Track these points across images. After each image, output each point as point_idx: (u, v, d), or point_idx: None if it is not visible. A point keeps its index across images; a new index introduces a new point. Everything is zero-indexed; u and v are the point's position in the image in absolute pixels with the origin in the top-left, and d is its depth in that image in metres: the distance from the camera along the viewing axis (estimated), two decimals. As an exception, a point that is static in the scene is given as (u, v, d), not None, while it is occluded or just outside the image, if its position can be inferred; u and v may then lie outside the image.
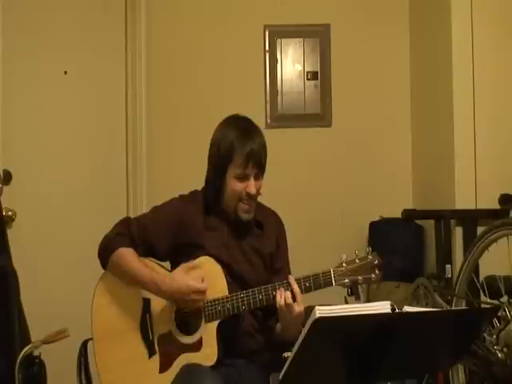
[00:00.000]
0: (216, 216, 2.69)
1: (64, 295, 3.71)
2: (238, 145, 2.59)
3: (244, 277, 2.64)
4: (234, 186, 2.62)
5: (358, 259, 2.51)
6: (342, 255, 2.52)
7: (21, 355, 2.49)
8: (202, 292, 2.52)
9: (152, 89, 4.17)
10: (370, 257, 2.51)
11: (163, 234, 2.65)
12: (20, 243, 3.19)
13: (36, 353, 2.58)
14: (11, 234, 3.03)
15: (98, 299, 2.65)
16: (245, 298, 2.52)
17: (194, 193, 2.77)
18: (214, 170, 2.67)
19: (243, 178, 2.61)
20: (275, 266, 2.72)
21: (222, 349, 2.52)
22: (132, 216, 3.79)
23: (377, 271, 2.50)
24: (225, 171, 2.62)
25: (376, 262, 2.51)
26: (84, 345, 2.67)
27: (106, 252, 2.64)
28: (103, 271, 2.67)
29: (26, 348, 2.52)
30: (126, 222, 2.70)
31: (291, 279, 2.50)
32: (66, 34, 3.89)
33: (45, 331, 2.57)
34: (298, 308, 2.47)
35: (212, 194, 2.68)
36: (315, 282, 2.49)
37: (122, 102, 4.10)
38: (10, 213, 3.52)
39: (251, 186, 2.61)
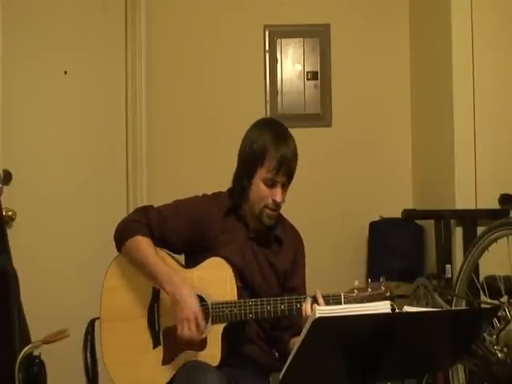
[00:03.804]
0: (236, 222, 2.68)
1: (64, 295, 3.71)
2: (272, 148, 2.58)
3: (255, 287, 2.63)
4: (261, 190, 2.60)
5: (370, 288, 2.50)
6: (354, 281, 2.50)
7: (21, 355, 2.49)
8: (197, 329, 2.49)
9: (152, 89, 4.17)
10: (382, 288, 2.50)
11: (181, 230, 2.65)
12: (20, 243, 3.18)
13: (36, 353, 2.58)
14: (11, 234, 3.03)
15: (109, 281, 2.65)
16: (253, 307, 2.51)
17: (217, 194, 2.75)
18: (244, 169, 2.65)
19: (272, 184, 2.59)
20: (289, 285, 2.70)
21: (225, 352, 2.51)
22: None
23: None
24: (254, 172, 2.60)
25: (388, 294, 2.49)
26: (92, 323, 2.68)
27: (122, 236, 2.64)
28: (117, 254, 2.67)
29: (26, 348, 2.52)
30: (146, 211, 2.69)
31: (318, 294, 2.47)
32: (66, 34, 3.89)
33: (45, 331, 2.57)
34: None
35: (238, 194, 2.67)
36: (325, 303, 2.47)
37: (122, 102, 4.10)
38: (10, 213, 3.51)
39: (278, 194, 2.59)
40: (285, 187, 2.62)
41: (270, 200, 2.60)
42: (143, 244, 2.60)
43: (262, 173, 2.59)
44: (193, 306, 2.49)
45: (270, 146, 2.59)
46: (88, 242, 3.82)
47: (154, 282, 2.59)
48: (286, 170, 2.59)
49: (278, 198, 2.60)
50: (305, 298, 2.49)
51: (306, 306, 2.45)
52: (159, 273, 2.55)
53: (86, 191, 3.93)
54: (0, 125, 3.57)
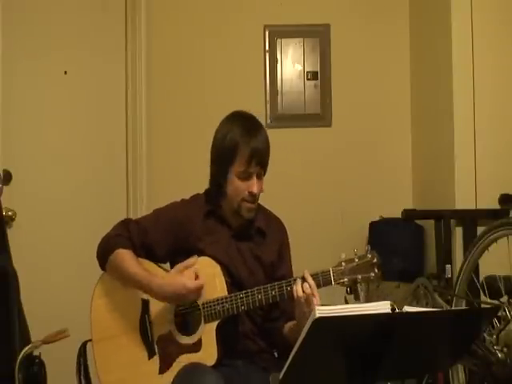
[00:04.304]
0: (217, 221, 2.68)
1: (64, 295, 3.71)
2: (242, 143, 2.57)
3: (243, 282, 2.62)
4: (237, 185, 2.60)
5: (357, 258, 2.49)
6: (341, 254, 2.51)
7: (21, 355, 2.49)
8: (199, 289, 2.51)
9: (152, 89, 4.17)
10: (368, 255, 2.49)
11: (163, 238, 2.65)
12: (20, 243, 3.18)
13: (36, 353, 2.58)
14: (11, 234, 3.03)
15: (96, 301, 2.65)
16: (244, 298, 2.50)
17: (195, 196, 2.75)
18: (217, 167, 2.65)
19: (246, 177, 2.59)
20: (277, 274, 2.69)
21: (221, 350, 2.51)
22: (132, 216, 3.85)
23: (376, 270, 2.47)
24: (227, 169, 2.60)
25: (375, 260, 2.48)
26: (84, 346, 2.67)
27: (104, 253, 2.64)
28: (102, 272, 2.67)
29: (26, 348, 2.52)
30: (125, 224, 2.69)
31: (307, 273, 2.48)
32: (66, 34, 3.89)
33: (45, 331, 2.57)
34: (316, 300, 2.44)
35: (215, 193, 2.67)
36: (314, 282, 2.47)
37: (122, 102, 4.10)
38: (10, 213, 3.51)
39: (253, 185, 2.59)
40: (259, 176, 2.62)
41: (247, 192, 2.60)
42: (124, 256, 2.59)
43: (236, 168, 2.59)
44: (176, 286, 2.49)
45: (239, 141, 2.58)
46: (88, 242, 3.76)
47: (140, 291, 2.58)
48: (258, 161, 2.58)
49: (255, 189, 2.59)
50: (294, 280, 2.49)
51: (297, 288, 2.45)
52: (139, 280, 2.55)
53: (86, 191, 3.93)
54: (0, 125, 3.57)
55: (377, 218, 4.19)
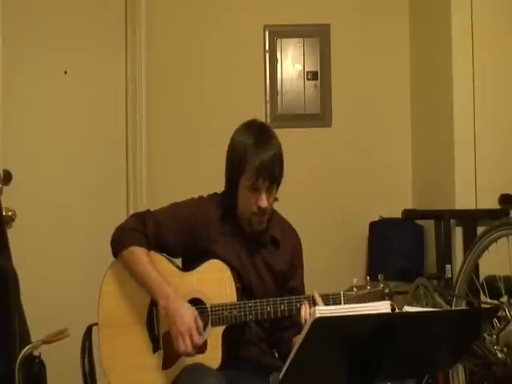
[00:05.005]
0: (232, 225, 2.66)
1: (64, 295, 3.71)
2: (249, 157, 2.55)
3: (252, 289, 2.63)
4: (246, 197, 2.58)
5: (369, 285, 2.49)
6: (353, 279, 2.50)
7: (21, 355, 2.50)
8: (193, 343, 2.47)
9: (152, 89, 4.17)
10: (381, 285, 2.49)
11: (177, 234, 2.64)
12: (20, 243, 3.18)
13: (36, 353, 2.59)
14: (11, 234, 3.02)
15: (106, 286, 2.63)
16: (253, 308, 2.51)
17: (213, 197, 2.73)
18: (229, 178, 2.65)
19: (255, 190, 2.56)
20: (289, 285, 2.69)
21: (225, 354, 2.51)
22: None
23: (387, 299, 2.45)
24: (238, 181, 2.59)
25: (386, 291, 2.49)
26: (89, 329, 2.66)
27: (119, 244, 2.63)
28: (114, 259, 2.66)
29: (26, 348, 2.52)
30: (143, 217, 2.67)
31: (316, 295, 2.48)
32: (66, 34, 3.88)
33: (45, 331, 2.57)
34: None
35: (229, 202, 2.66)
36: (324, 303, 2.47)
37: (122, 102, 4.10)
38: (10, 213, 3.50)
39: (262, 200, 2.56)
40: (269, 191, 2.59)
41: (256, 206, 2.58)
42: (138, 255, 2.59)
43: (244, 181, 2.58)
44: (186, 319, 2.48)
45: (248, 154, 2.56)
46: (88, 242, 3.82)
47: (149, 295, 2.58)
48: (266, 176, 2.55)
49: (263, 204, 2.57)
50: (305, 298, 2.49)
51: (305, 310, 2.45)
52: (153, 285, 2.55)
53: (86, 191, 3.93)
54: (0, 125, 3.57)
55: (377, 218, 4.19)
